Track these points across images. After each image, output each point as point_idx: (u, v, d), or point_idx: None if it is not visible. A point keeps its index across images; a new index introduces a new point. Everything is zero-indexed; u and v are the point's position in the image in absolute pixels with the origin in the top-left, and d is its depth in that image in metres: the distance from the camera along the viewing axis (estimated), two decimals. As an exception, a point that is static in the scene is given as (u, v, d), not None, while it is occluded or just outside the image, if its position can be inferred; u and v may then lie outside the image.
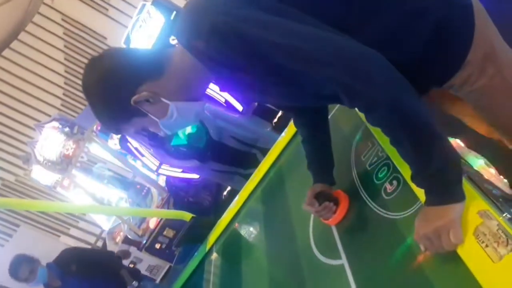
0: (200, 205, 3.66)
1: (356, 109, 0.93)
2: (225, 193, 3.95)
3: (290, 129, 1.86)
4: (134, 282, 3.13)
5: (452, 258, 0.82)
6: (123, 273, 3.36)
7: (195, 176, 3.74)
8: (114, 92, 0.96)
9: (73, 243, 7.10)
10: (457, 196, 0.83)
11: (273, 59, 0.86)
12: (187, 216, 2.17)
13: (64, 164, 4.34)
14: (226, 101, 3.39)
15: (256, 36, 0.85)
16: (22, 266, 2.75)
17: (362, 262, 1.06)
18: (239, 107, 3.39)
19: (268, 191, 1.88)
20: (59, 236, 7.12)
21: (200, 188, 4.17)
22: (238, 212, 2.04)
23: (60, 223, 7.64)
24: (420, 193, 0.92)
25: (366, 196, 1.15)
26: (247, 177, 2.13)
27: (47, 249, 6.24)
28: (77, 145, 4.31)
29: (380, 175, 1.14)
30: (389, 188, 1.08)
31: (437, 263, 0.86)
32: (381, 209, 1.07)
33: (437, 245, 0.83)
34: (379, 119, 0.88)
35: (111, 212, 2.54)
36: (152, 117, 0.99)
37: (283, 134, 1.93)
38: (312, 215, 1.34)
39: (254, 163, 2.30)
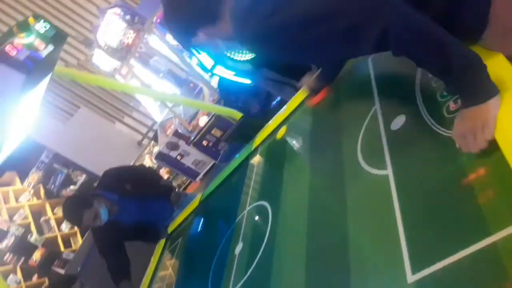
0: (248, 111, 3.68)
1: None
2: (274, 102, 3.94)
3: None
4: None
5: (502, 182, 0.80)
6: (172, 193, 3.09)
7: (247, 81, 3.72)
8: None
9: (126, 130, 7.53)
10: (489, 92, 0.88)
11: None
12: (237, 115, 2.21)
13: (123, 52, 4.44)
14: None
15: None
16: (84, 215, 2.43)
17: (408, 175, 1.05)
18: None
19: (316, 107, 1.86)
20: (114, 123, 7.55)
21: (250, 95, 4.16)
22: (287, 119, 2.05)
23: (116, 110, 8.06)
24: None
25: (425, 112, 1.12)
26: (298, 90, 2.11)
27: (103, 132, 6.70)
28: (137, 35, 4.36)
29: (445, 93, 1.09)
30: (452, 106, 1.04)
31: (486, 188, 0.84)
32: (439, 126, 1.04)
33: (471, 143, 0.88)
34: (395, 45, 0.97)
35: (168, 99, 2.45)
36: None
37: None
38: (364, 127, 1.32)
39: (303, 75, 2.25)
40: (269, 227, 1.50)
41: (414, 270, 0.86)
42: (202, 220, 2.41)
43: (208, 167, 5.04)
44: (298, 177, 1.61)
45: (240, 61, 3.32)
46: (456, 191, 0.91)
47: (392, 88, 1.35)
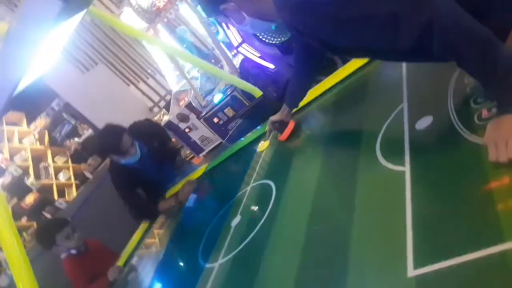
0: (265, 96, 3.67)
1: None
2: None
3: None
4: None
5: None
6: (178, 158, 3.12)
7: (270, 65, 3.70)
8: None
9: (139, 95, 7.53)
10: None
11: None
12: (258, 92, 2.19)
13: (152, 14, 4.41)
14: None
15: None
16: (123, 136, 2.40)
17: (426, 175, 1.04)
18: None
19: (341, 95, 1.84)
20: (128, 85, 7.54)
21: (269, 80, 4.13)
22: (304, 108, 2.03)
23: (133, 74, 8.06)
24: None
25: (455, 115, 1.10)
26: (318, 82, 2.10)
27: (116, 92, 6.70)
28: (169, 0, 4.33)
29: (479, 100, 1.06)
30: (485, 114, 1.01)
31: (506, 197, 0.82)
32: (466, 131, 1.02)
33: (501, 151, 0.86)
34: (440, 38, 0.93)
35: (193, 61, 2.38)
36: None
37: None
38: (388, 122, 1.31)
39: (331, 70, 2.22)
40: (270, 205, 1.49)
41: (416, 265, 0.85)
42: (201, 190, 2.40)
43: (214, 145, 5.02)
44: (309, 161, 1.60)
45: (268, 43, 3.30)
46: (473, 196, 0.89)
47: (424, 88, 1.33)
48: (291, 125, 1.84)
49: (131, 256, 2.46)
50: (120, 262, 2.43)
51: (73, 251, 2.45)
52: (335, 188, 1.34)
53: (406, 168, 1.08)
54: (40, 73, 2.06)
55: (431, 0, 0.93)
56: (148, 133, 2.74)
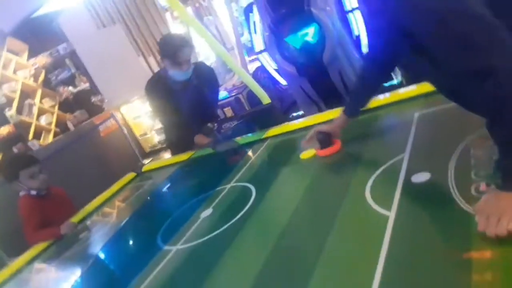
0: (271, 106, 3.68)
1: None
2: (294, 114, 3.92)
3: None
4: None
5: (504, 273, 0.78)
6: None
7: (283, 81, 3.71)
8: None
9: (146, 68, 7.46)
10: None
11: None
12: (266, 99, 2.19)
13: (187, -5, 4.43)
14: (358, 37, 3.24)
15: None
16: (186, 47, 2.45)
17: (409, 227, 1.03)
18: (364, 49, 3.23)
19: (349, 125, 1.84)
20: (138, 55, 7.48)
21: (276, 96, 4.14)
22: (303, 129, 2.04)
23: (146, 46, 8.00)
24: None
25: (452, 179, 1.10)
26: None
27: (124, 57, 6.62)
28: (207, -13, 4.35)
29: (481, 173, 1.07)
30: (483, 187, 1.02)
31: (483, 270, 0.82)
32: (461, 198, 1.02)
33: (491, 224, 0.85)
34: (493, 87, 0.86)
35: (219, 49, 2.33)
36: None
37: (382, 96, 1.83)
38: (384, 166, 1.31)
39: (338, 105, 2.24)
40: (246, 208, 1.47)
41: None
42: (179, 175, 2.37)
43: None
44: (297, 177, 1.60)
45: (290, 59, 3.31)
46: (450, 259, 0.88)
47: (429, 144, 1.35)
48: (337, 145, 1.59)
49: (88, 216, 2.41)
50: (76, 218, 2.36)
51: (33, 192, 2.39)
52: (316, 211, 1.33)
53: (391, 214, 1.08)
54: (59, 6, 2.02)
55: (506, 47, 0.87)
56: (207, 74, 2.74)
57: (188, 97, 2.61)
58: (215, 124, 2.76)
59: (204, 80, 2.67)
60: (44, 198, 2.42)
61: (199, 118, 2.73)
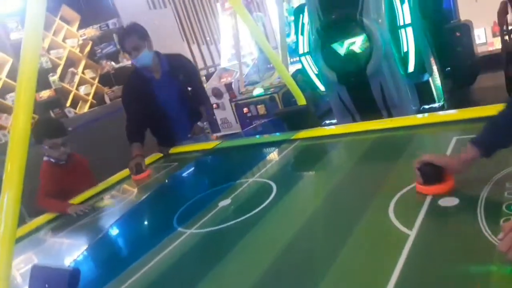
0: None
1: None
2: (327, 121, 3.88)
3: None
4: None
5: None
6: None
7: (321, 87, 3.68)
8: None
9: (188, 55, 7.57)
10: None
11: None
12: (303, 100, 2.18)
13: (240, -12, 4.45)
14: (405, 54, 3.17)
15: None
16: (131, 36, 2.56)
17: (428, 248, 1.00)
18: (411, 67, 3.16)
19: (384, 139, 1.81)
20: (183, 41, 7.60)
21: (311, 100, 4.09)
22: (335, 136, 2.01)
23: (192, 34, 8.13)
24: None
25: (482, 208, 1.06)
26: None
27: (169, 41, 6.72)
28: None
29: (512, 207, 1.03)
30: (513, 222, 0.97)
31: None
32: (487, 228, 0.98)
33: None
34: None
35: (266, 47, 2.29)
36: None
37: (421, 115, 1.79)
38: (413, 185, 1.27)
39: (373, 117, 2.21)
40: (264, 204, 1.47)
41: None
42: (203, 162, 2.39)
43: (231, 132, 5.03)
44: (321, 183, 1.58)
45: (330, 65, 3.28)
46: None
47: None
48: (450, 183, 1.20)
49: (108, 190, 2.44)
50: (95, 190, 2.40)
51: (53, 160, 2.45)
52: (335, 217, 1.31)
53: (412, 233, 1.05)
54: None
55: None
56: (180, 62, 2.81)
57: (166, 88, 2.65)
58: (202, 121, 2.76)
59: (177, 69, 2.71)
60: (64, 167, 2.48)
61: (185, 105, 2.77)
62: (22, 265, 1.67)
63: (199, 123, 2.76)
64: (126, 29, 2.62)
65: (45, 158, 2.47)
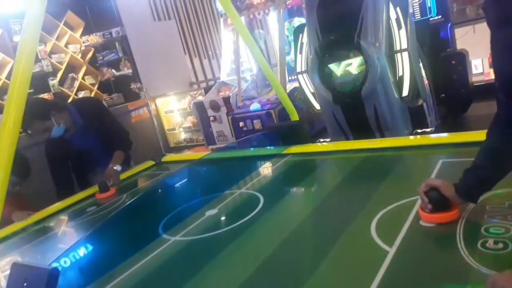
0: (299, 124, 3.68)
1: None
2: (321, 140, 3.90)
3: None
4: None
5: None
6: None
7: (316, 105, 3.72)
8: None
9: (189, 67, 7.63)
10: None
11: None
12: (295, 116, 2.21)
13: (243, 6, 4.53)
14: (400, 77, 3.22)
15: None
16: (35, 124, 2.37)
17: (406, 266, 1.01)
18: (405, 92, 3.21)
19: (372, 159, 1.83)
20: (185, 53, 7.68)
21: (306, 119, 4.14)
22: (325, 153, 2.03)
23: (194, 47, 8.22)
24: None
25: (461, 229, 1.07)
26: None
27: (171, 53, 6.79)
28: (266, 2, 4.44)
29: (491, 230, 1.04)
30: (490, 244, 0.99)
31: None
32: (465, 250, 0.99)
33: None
34: None
35: (263, 63, 2.27)
36: None
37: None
38: (395, 204, 1.29)
39: (366, 137, 2.24)
40: (251, 215, 1.48)
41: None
42: (193, 172, 2.40)
43: (224, 145, 5.05)
44: (307, 197, 1.59)
45: (328, 86, 3.32)
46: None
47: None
48: (455, 212, 1.13)
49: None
50: (89, 192, 2.41)
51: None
52: (318, 231, 1.32)
53: (391, 251, 1.06)
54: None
55: None
56: (93, 112, 2.66)
57: (82, 140, 2.58)
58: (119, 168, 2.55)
59: (89, 115, 2.59)
60: None
61: (103, 152, 2.66)
62: (7, 267, 1.66)
63: (115, 166, 2.49)
64: (25, 114, 2.41)
65: None
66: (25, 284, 1.12)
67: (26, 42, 1.19)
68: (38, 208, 2.42)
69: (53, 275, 1.09)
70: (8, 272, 1.55)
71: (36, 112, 2.35)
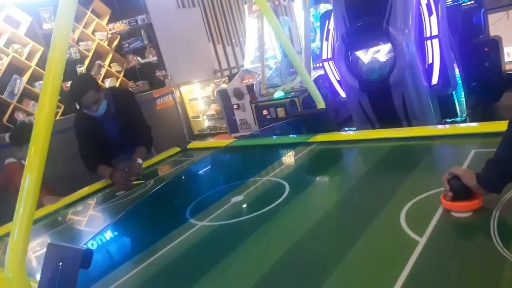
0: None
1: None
2: (346, 128, 3.86)
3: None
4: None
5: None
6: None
7: (342, 94, 3.67)
8: None
9: (213, 55, 7.64)
10: None
11: None
12: (322, 104, 2.19)
13: (268, -8, 4.48)
14: (430, 65, 3.14)
15: None
16: (88, 92, 2.41)
17: (437, 256, 0.99)
18: (435, 80, 3.13)
19: (392, 148, 1.80)
20: (209, 41, 7.68)
21: (331, 106, 4.08)
22: (352, 141, 2.00)
23: (218, 35, 8.22)
24: None
25: (495, 223, 1.04)
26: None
27: (195, 40, 6.81)
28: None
29: (527, 222, 1.01)
30: (526, 236, 0.96)
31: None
32: (499, 242, 0.97)
33: None
34: None
35: (291, 50, 2.22)
36: None
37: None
38: (427, 193, 1.27)
39: (393, 127, 2.19)
40: (276, 203, 1.48)
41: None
42: (219, 159, 2.42)
43: (248, 133, 5.06)
44: (335, 185, 1.58)
45: (355, 73, 3.27)
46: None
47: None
48: (479, 201, 1.12)
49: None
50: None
51: None
52: (345, 220, 1.31)
53: (422, 240, 1.04)
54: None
55: None
56: (127, 103, 2.71)
57: (111, 126, 2.61)
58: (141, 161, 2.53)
59: (121, 105, 2.63)
60: None
61: (128, 142, 2.68)
62: (38, 248, 1.72)
63: (138, 159, 2.51)
64: (78, 84, 2.55)
65: None
66: (60, 263, 1.16)
67: (60, 29, 1.21)
68: (64, 193, 2.51)
69: (87, 255, 1.12)
70: (39, 253, 1.61)
71: (91, 82, 2.55)
